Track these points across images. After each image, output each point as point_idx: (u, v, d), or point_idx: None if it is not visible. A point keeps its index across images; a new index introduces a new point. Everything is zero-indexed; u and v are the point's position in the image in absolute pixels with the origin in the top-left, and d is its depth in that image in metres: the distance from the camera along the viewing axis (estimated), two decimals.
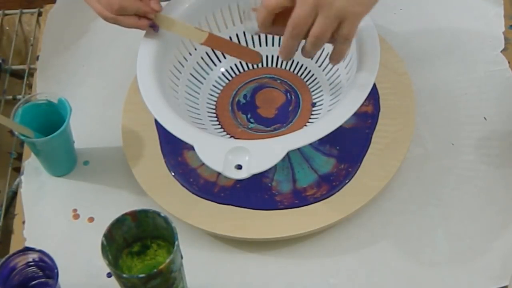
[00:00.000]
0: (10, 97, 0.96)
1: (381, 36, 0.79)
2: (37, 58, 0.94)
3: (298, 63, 0.87)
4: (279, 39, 0.87)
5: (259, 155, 0.70)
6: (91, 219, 0.80)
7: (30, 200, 0.83)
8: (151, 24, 0.77)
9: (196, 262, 0.76)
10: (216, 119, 0.84)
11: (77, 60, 0.94)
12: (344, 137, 0.80)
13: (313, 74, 0.86)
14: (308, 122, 0.82)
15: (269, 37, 0.87)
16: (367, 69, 0.74)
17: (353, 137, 0.81)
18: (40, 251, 0.68)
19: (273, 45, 0.87)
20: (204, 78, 0.86)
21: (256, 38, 0.87)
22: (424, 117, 0.85)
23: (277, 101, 0.84)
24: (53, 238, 0.79)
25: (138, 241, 0.68)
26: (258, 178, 0.78)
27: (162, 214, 0.65)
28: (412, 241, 0.77)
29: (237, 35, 0.87)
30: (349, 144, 0.80)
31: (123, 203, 0.80)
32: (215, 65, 0.87)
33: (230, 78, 0.87)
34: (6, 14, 1.02)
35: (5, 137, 0.93)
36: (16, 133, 0.77)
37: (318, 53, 0.85)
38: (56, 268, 0.67)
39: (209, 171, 0.79)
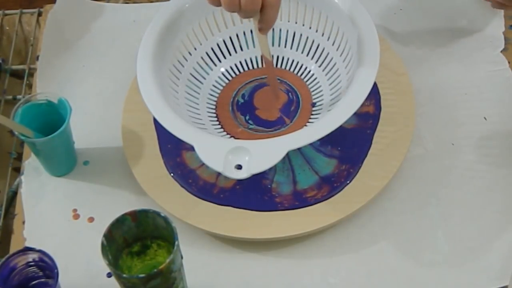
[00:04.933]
0: (10, 97, 0.95)
1: (381, 36, 0.79)
2: (37, 58, 0.94)
3: (298, 63, 0.87)
4: (279, 39, 0.87)
5: (259, 155, 0.70)
6: (91, 219, 0.80)
7: (30, 200, 0.83)
8: None
9: (196, 262, 0.76)
10: (216, 119, 0.84)
11: (77, 60, 0.94)
12: (345, 137, 0.80)
13: (313, 74, 0.86)
14: (308, 122, 0.82)
15: (269, 37, 0.87)
16: (367, 69, 0.74)
17: (354, 137, 0.81)
18: (40, 251, 0.68)
19: (272, 45, 0.87)
20: (204, 78, 0.86)
21: (256, 38, 0.87)
22: (424, 117, 0.85)
23: (279, 101, 0.84)
24: (53, 238, 0.79)
25: (138, 241, 0.68)
26: (257, 180, 0.78)
27: (162, 214, 0.65)
28: (412, 241, 0.77)
29: (237, 35, 0.87)
30: (351, 145, 0.80)
31: (123, 203, 0.80)
32: (215, 65, 0.87)
33: (230, 78, 0.87)
34: (6, 14, 1.02)
35: (5, 137, 0.93)
36: (16, 133, 0.77)
37: (318, 53, 0.85)
38: (56, 268, 0.67)
39: (208, 172, 0.79)
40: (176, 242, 0.63)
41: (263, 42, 0.78)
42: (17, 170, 0.88)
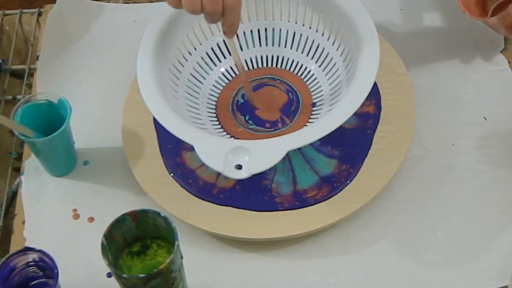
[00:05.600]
0: (10, 97, 0.95)
1: (381, 36, 0.79)
2: (37, 58, 0.94)
3: (298, 63, 0.87)
4: (279, 39, 0.87)
5: (259, 155, 0.70)
6: (91, 219, 0.80)
7: (30, 200, 0.83)
8: None
9: (196, 262, 0.76)
10: (216, 119, 0.84)
11: (77, 60, 0.94)
12: (346, 137, 0.80)
13: (313, 74, 0.86)
14: (308, 122, 0.82)
15: (269, 37, 0.87)
16: (367, 69, 0.74)
17: (355, 137, 0.81)
18: (40, 251, 0.68)
19: (272, 45, 0.87)
20: (204, 78, 0.86)
21: (256, 38, 0.87)
22: (424, 117, 0.85)
23: (279, 101, 0.84)
24: (53, 238, 0.79)
25: (138, 241, 0.68)
26: (257, 180, 0.78)
27: (162, 214, 0.65)
28: (412, 241, 0.77)
29: (237, 35, 0.86)
30: (351, 145, 0.80)
31: (123, 203, 0.80)
32: (215, 65, 0.87)
33: (230, 78, 0.87)
34: (6, 14, 1.02)
35: (5, 137, 0.93)
36: (16, 133, 0.77)
37: (318, 53, 0.85)
38: (56, 268, 0.67)
39: (208, 172, 0.79)
40: (176, 242, 0.63)
41: (232, 47, 0.78)
42: (17, 170, 0.88)
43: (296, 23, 0.86)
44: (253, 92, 0.85)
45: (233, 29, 0.72)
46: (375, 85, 0.81)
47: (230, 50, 0.79)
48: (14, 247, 0.79)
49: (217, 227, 0.76)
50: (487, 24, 0.85)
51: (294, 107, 0.84)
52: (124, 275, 0.63)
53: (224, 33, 0.73)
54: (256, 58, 0.87)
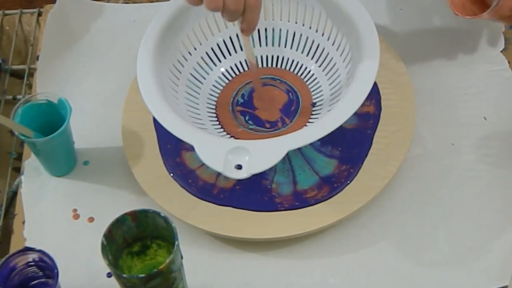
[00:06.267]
0: (10, 97, 0.96)
1: (381, 36, 0.79)
2: (37, 58, 0.94)
3: (298, 63, 0.87)
4: (279, 39, 0.87)
5: (259, 155, 0.70)
6: (91, 219, 0.80)
7: (30, 200, 0.83)
8: None
9: (196, 262, 0.76)
10: (216, 119, 0.84)
11: (77, 60, 0.94)
12: (346, 138, 0.80)
13: (313, 74, 0.86)
14: (308, 122, 0.82)
15: (269, 37, 0.87)
16: (367, 69, 0.74)
17: (355, 137, 0.81)
18: (40, 251, 0.68)
19: (272, 45, 0.87)
20: (204, 78, 0.86)
21: (256, 38, 0.87)
22: (424, 117, 0.85)
23: (279, 101, 0.84)
24: (53, 238, 0.79)
25: (138, 241, 0.68)
26: (257, 180, 0.78)
27: (162, 214, 0.65)
28: (412, 241, 0.77)
29: (237, 35, 0.87)
30: (351, 145, 0.80)
31: (123, 203, 0.80)
32: (215, 65, 0.87)
33: (230, 78, 0.87)
34: (6, 14, 1.02)
35: (5, 137, 0.93)
36: (16, 133, 0.77)
37: (318, 53, 0.85)
38: (56, 268, 0.67)
39: (208, 172, 0.79)
40: (176, 242, 0.63)
41: (247, 45, 0.78)
42: (17, 170, 0.88)
43: (296, 23, 0.86)
44: (262, 87, 0.85)
45: (251, 27, 0.73)
46: (375, 85, 0.81)
47: (244, 49, 0.80)
48: (14, 247, 0.79)
49: (217, 227, 0.76)
50: (485, 19, 0.83)
51: (294, 107, 0.84)
52: (124, 275, 0.63)
53: (242, 31, 0.73)
54: (256, 58, 0.87)
